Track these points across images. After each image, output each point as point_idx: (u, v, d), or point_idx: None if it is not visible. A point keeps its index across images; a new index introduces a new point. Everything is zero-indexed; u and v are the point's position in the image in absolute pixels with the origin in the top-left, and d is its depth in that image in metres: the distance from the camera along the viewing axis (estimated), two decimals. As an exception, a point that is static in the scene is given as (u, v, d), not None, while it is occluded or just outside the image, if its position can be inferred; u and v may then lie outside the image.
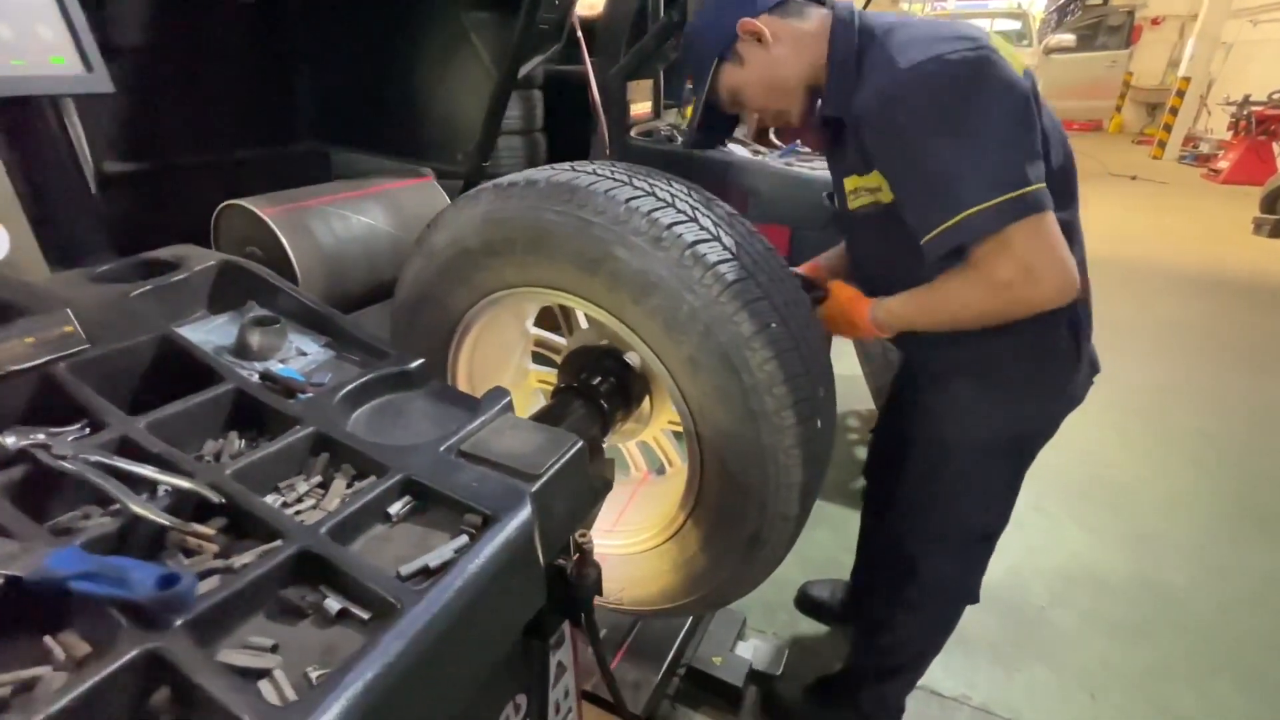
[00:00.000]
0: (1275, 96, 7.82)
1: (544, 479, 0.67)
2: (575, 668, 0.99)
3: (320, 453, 0.71)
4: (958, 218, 0.85)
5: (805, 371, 0.91)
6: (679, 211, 0.90)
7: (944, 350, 1.08)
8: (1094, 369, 1.13)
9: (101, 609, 0.47)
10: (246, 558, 0.55)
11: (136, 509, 0.55)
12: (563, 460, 0.71)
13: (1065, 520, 2.23)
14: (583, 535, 0.74)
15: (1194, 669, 1.67)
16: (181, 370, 0.78)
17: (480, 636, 0.59)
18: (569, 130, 2.55)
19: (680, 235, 0.87)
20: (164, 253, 1.00)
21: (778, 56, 1.01)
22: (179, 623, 0.47)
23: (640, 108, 2.57)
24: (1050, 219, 0.85)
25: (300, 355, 0.89)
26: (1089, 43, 11.20)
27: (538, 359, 1.41)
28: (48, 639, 0.47)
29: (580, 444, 0.74)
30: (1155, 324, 3.94)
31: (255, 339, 0.86)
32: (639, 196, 0.90)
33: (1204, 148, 9.78)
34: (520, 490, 0.65)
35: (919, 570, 1.24)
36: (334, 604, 0.53)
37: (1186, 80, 9.86)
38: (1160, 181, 8.36)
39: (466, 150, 1.62)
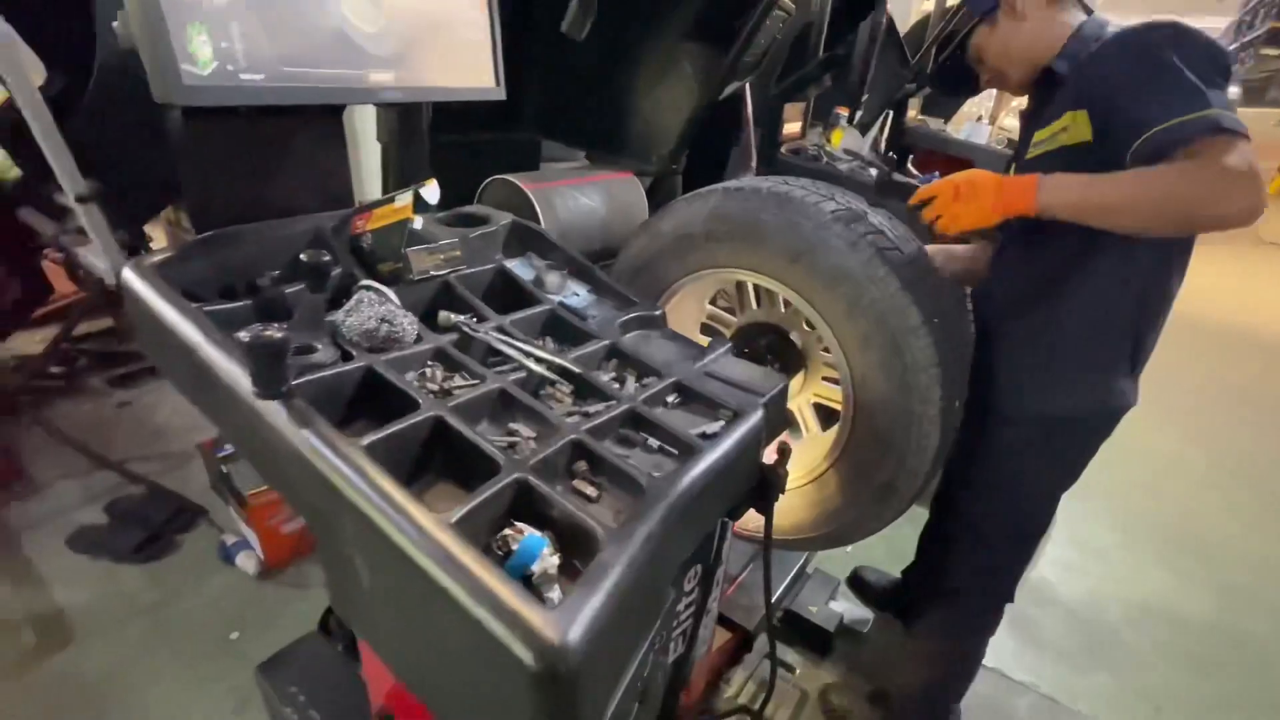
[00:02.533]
0: None
1: (770, 395, 0.97)
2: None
3: (612, 358, 1.04)
4: (1204, 112, 0.89)
5: (955, 359, 1.16)
6: (869, 224, 1.18)
7: (1015, 314, 1.23)
8: (1134, 386, 1.20)
9: (540, 414, 0.80)
10: (598, 407, 0.88)
11: (533, 366, 0.89)
12: (778, 388, 1.00)
13: (1152, 561, 2.32)
14: (783, 442, 1.03)
15: (1261, 708, 1.77)
16: (509, 291, 1.14)
17: (728, 484, 0.89)
18: (709, 143, 2.83)
19: (871, 242, 1.14)
20: (473, 209, 1.37)
21: (1023, 30, 1.20)
22: (585, 428, 0.79)
23: (790, 127, 2.83)
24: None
25: (575, 295, 1.23)
26: (1258, 96, 10.41)
27: (709, 333, 1.71)
28: (511, 424, 0.81)
29: (786, 382, 1.04)
30: (1283, 399, 3.81)
31: (549, 278, 1.21)
32: (840, 210, 1.18)
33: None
34: (755, 400, 0.95)
35: (961, 558, 1.38)
36: (654, 443, 0.85)
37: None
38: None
39: (661, 154, 1.95)
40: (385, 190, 1.67)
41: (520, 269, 1.22)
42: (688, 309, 1.58)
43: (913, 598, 1.60)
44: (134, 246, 1.17)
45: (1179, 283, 1.16)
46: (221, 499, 2.11)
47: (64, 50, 1.41)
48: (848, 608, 1.86)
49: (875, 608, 1.95)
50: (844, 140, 3.03)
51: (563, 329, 1.10)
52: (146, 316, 0.81)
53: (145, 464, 2.33)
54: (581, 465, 0.77)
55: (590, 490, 0.74)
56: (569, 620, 0.49)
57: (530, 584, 0.57)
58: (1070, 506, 2.55)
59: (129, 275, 0.84)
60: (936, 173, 2.64)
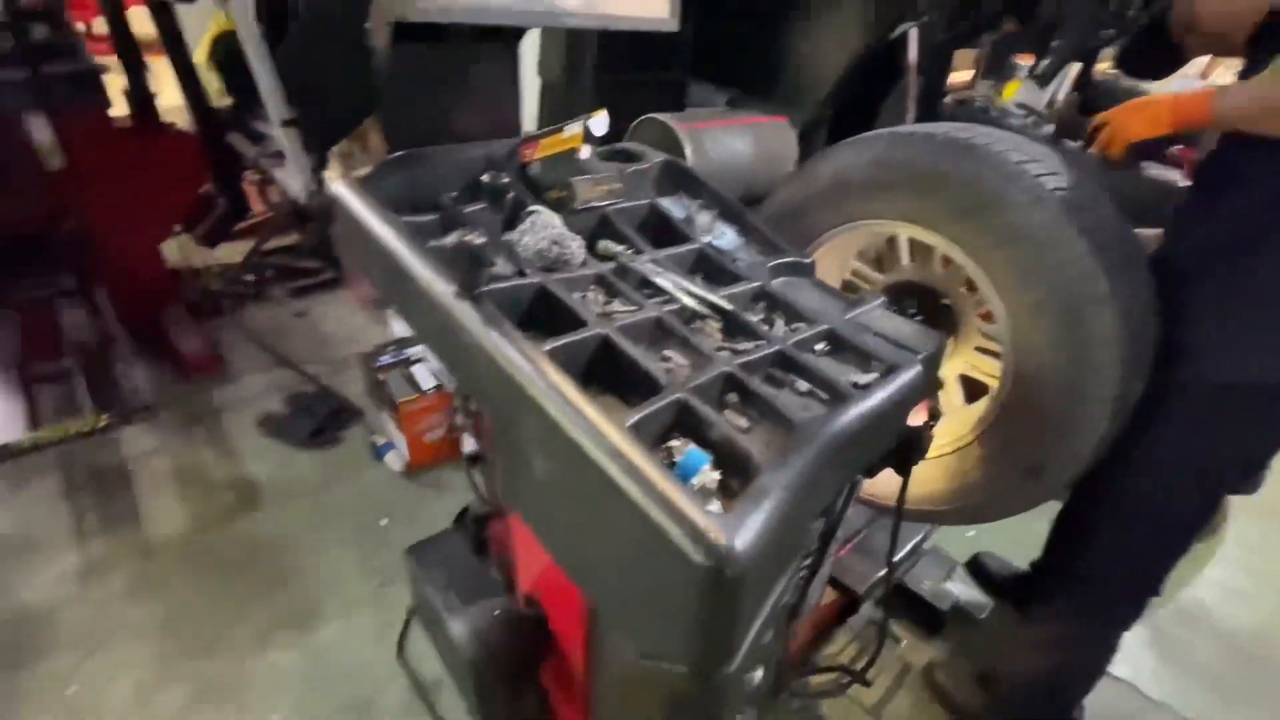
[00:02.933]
0: None
1: (929, 353, 0.93)
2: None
3: (760, 300, 1.03)
4: None
5: (1138, 337, 1.04)
6: (1060, 179, 1.06)
7: (1198, 271, 1.09)
8: None
9: (695, 345, 0.82)
10: (747, 345, 0.88)
11: (686, 300, 0.91)
12: (938, 346, 0.96)
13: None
14: (933, 403, 0.98)
15: None
16: (662, 227, 1.15)
17: (878, 437, 0.87)
18: (858, 91, 2.65)
19: (1059, 199, 1.03)
20: (629, 146, 1.39)
21: None
22: (737, 362, 0.80)
23: (959, 76, 2.58)
24: None
25: (723, 236, 1.23)
26: None
27: (849, 289, 1.65)
28: (666, 351, 0.83)
29: (943, 340, 0.99)
30: None
31: (700, 217, 1.21)
32: (1026, 161, 1.07)
33: None
34: (913, 356, 0.91)
35: (1102, 540, 1.25)
36: (803, 385, 0.84)
37: None
38: None
39: (815, 99, 1.85)
40: (541, 126, 1.74)
41: (673, 207, 1.23)
42: (832, 262, 1.52)
43: (1037, 587, 1.49)
44: (319, 169, 1.31)
45: None
46: (375, 404, 2.37)
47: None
48: (963, 590, 1.78)
49: (994, 596, 1.85)
50: (1019, 93, 2.71)
51: (712, 269, 1.10)
52: (352, 225, 0.91)
53: (316, 366, 2.65)
54: (733, 397, 0.78)
55: (742, 421, 0.76)
56: (736, 527, 0.51)
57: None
58: (1246, 526, 2.26)
59: (340, 189, 0.94)
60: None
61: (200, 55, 2.22)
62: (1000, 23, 2.44)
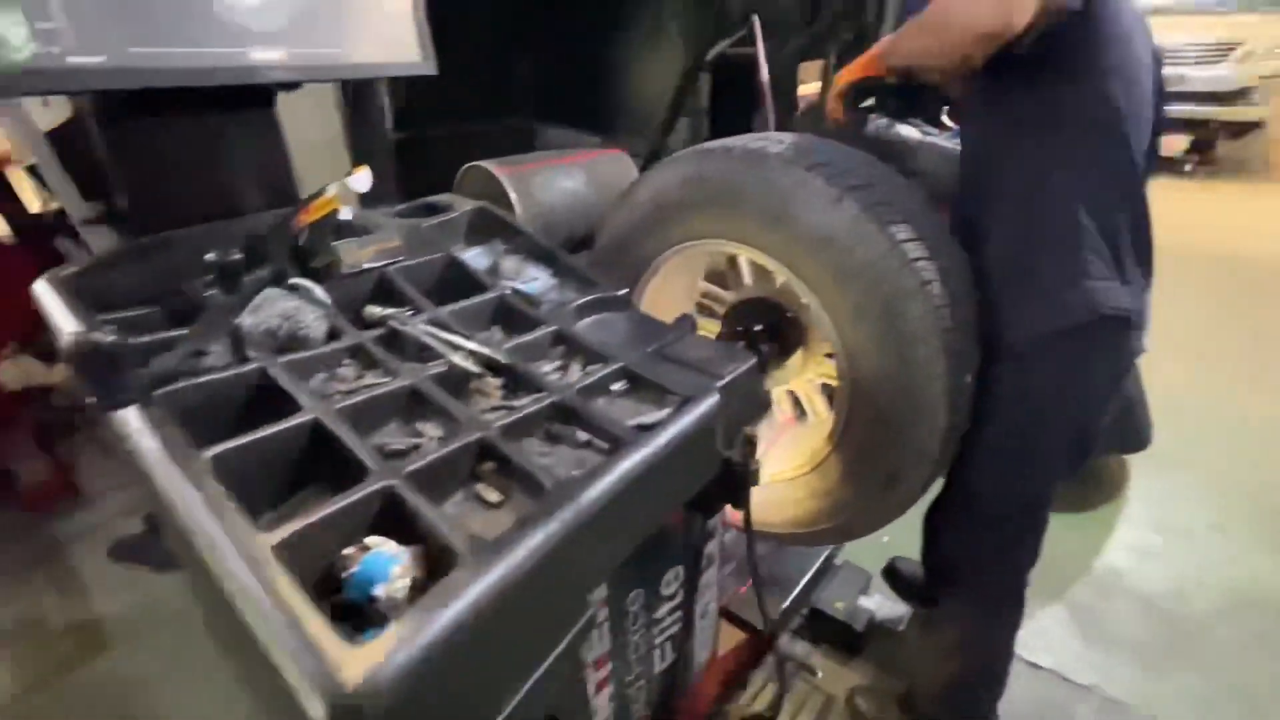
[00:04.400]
0: None
1: (727, 379, 0.85)
2: (719, 571, 1.18)
3: (559, 345, 0.94)
4: None
5: (959, 327, 1.00)
6: (857, 178, 1.03)
7: (977, 236, 1.08)
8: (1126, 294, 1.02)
9: (450, 412, 0.72)
10: (524, 400, 0.79)
11: (457, 360, 0.81)
12: (741, 370, 0.88)
13: (1249, 543, 2.03)
14: (751, 431, 0.91)
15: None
16: (459, 281, 1.06)
17: (673, 481, 0.79)
18: (732, 111, 2.67)
19: (858, 198, 1.00)
20: (437, 199, 1.30)
21: None
22: (496, 426, 0.71)
23: (807, 88, 2.64)
24: None
25: (534, 280, 1.14)
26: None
27: (705, 312, 1.59)
28: (418, 424, 0.73)
29: (754, 360, 0.92)
30: None
31: (505, 264, 1.13)
32: (821, 164, 1.04)
33: None
34: (709, 384, 0.84)
35: (961, 535, 1.22)
36: (582, 435, 0.75)
37: None
38: None
39: (653, 127, 1.83)
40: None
41: (475, 257, 1.15)
42: (677, 286, 1.47)
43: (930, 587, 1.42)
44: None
45: (1126, 179, 1.02)
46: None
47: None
48: (881, 603, 1.70)
49: (912, 602, 1.78)
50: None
51: (513, 317, 1.01)
52: (52, 326, 0.78)
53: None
54: (488, 466, 0.69)
55: (493, 495, 0.66)
56: (379, 657, 0.40)
57: (376, 609, 0.49)
58: (1150, 482, 2.29)
59: (37, 287, 0.81)
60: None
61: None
62: (840, 32, 2.51)
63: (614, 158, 1.77)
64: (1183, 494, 2.25)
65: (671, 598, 1.07)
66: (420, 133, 1.80)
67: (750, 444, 0.90)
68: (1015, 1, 0.86)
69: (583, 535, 0.62)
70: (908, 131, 2.41)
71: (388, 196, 1.37)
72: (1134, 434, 2.13)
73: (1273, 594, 1.83)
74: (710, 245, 1.21)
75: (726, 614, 1.51)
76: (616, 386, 0.86)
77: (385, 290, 0.99)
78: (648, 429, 0.76)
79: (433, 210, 1.24)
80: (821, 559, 1.70)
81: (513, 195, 1.49)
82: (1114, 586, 1.86)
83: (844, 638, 1.63)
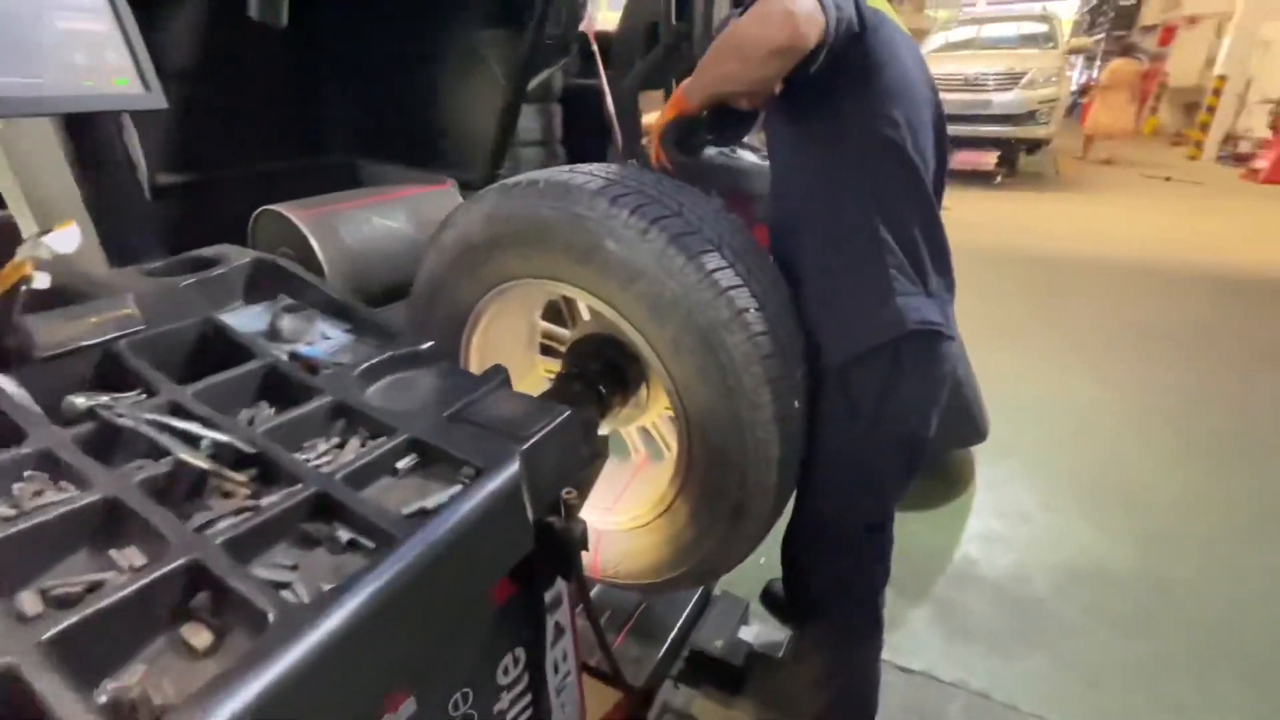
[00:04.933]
0: (1316, 94, 7.59)
1: (533, 440, 0.76)
2: (575, 635, 1.07)
3: (339, 418, 0.81)
4: None
5: (780, 353, 0.98)
6: (664, 207, 0.99)
7: (796, 260, 1.10)
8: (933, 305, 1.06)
9: (156, 529, 0.57)
10: (273, 497, 0.65)
11: (183, 455, 0.65)
12: (551, 426, 0.79)
13: (1075, 518, 2.23)
14: (569, 494, 0.82)
15: (1196, 661, 1.67)
16: (222, 349, 0.89)
17: (469, 569, 0.67)
18: (587, 142, 2.65)
19: (665, 228, 0.95)
20: (207, 251, 1.11)
21: None
22: (217, 541, 0.56)
23: (652, 118, 2.67)
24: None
25: (324, 339, 0.99)
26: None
27: (548, 351, 1.50)
28: (112, 551, 0.57)
29: (568, 413, 0.83)
30: (1186, 326, 3.88)
31: (284, 324, 0.97)
32: (627, 194, 0.99)
33: (1244, 146, 9.50)
34: (510, 448, 0.74)
35: (812, 562, 1.23)
36: (344, 535, 0.62)
37: (1223, 79, 9.62)
38: (1195, 182, 8.15)
39: (481, 159, 1.73)
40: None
41: (246, 319, 0.98)
42: (508, 330, 1.36)
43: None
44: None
45: (916, 192, 1.05)
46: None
47: None
48: (759, 631, 1.67)
49: (790, 624, 1.76)
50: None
51: (286, 389, 0.86)
52: None
53: None
54: (201, 599, 0.54)
55: (202, 638, 0.51)
56: None
57: None
58: (993, 470, 2.47)
59: None
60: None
61: None
62: (674, 63, 2.56)
63: (441, 193, 1.65)
64: (1018, 478, 2.45)
65: (513, 685, 0.94)
66: (207, 176, 1.58)
67: (570, 507, 0.81)
68: (802, 18, 0.88)
69: (327, 670, 0.50)
70: (746, 157, 2.50)
71: (146, 253, 1.16)
72: (974, 431, 2.29)
73: (1099, 566, 2.01)
74: (526, 285, 1.12)
75: (599, 674, 1.40)
76: (404, 463, 0.74)
77: (111, 371, 0.81)
78: (428, 514, 0.65)
79: (197, 265, 1.05)
80: (696, 596, 1.64)
81: (313, 241, 1.33)
82: (968, 576, 1.96)
83: (725, 675, 1.57)
